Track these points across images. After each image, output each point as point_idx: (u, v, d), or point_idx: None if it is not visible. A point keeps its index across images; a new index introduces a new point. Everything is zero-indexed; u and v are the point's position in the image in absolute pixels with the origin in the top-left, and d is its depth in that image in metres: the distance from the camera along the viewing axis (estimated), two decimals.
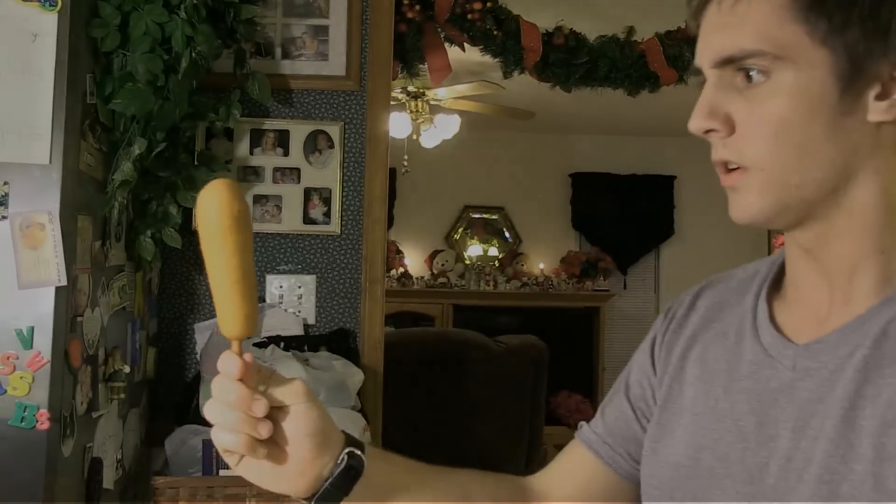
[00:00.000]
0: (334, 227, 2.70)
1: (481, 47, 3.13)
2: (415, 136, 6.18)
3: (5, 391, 1.64)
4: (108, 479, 2.02)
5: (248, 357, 0.84)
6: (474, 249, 8.12)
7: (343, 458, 0.89)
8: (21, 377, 1.64)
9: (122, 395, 2.09)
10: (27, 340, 1.65)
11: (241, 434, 0.84)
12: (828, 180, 0.84)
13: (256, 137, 2.69)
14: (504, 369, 4.42)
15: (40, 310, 1.67)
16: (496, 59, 3.19)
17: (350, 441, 0.91)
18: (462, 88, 5.52)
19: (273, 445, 0.86)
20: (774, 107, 0.83)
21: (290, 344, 2.50)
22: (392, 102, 3.30)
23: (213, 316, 2.63)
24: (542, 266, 8.03)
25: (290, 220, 2.69)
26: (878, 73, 0.82)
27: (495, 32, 3.06)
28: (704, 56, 0.88)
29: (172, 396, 2.61)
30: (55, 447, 1.67)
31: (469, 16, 3.00)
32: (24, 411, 1.63)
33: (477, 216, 8.16)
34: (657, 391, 1.05)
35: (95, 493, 1.91)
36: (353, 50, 2.71)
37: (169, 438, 2.24)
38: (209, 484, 2.06)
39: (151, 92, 2.01)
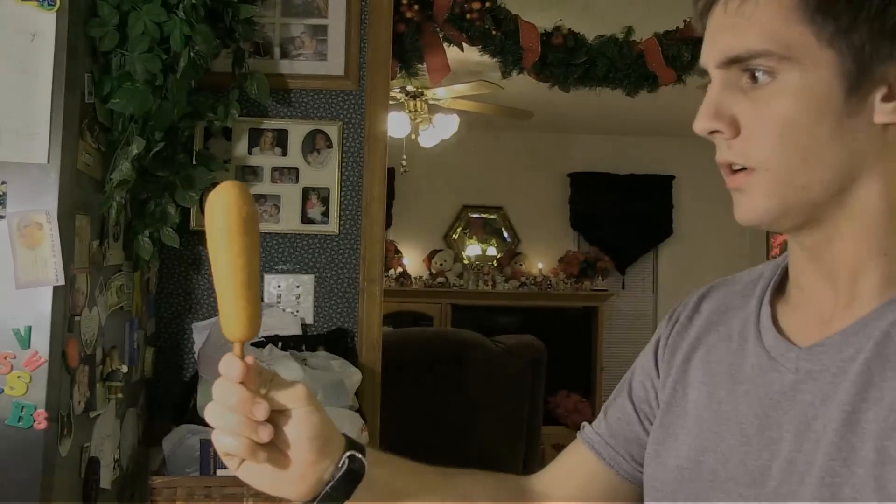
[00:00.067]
0: (332, 226, 2.70)
1: (480, 47, 3.13)
2: (413, 136, 6.18)
3: (2, 391, 1.64)
4: (106, 478, 2.02)
5: (249, 360, 0.84)
6: (473, 249, 8.12)
7: (344, 462, 0.89)
8: (18, 377, 1.64)
9: (120, 395, 2.09)
10: (24, 340, 1.65)
11: (241, 437, 0.83)
12: (833, 182, 0.84)
13: (255, 137, 2.69)
14: (502, 369, 4.41)
15: (38, 309, 1.67)
16: (495, 59, 3.19)
17: (351, 444, 0.91)
18: (461, 88, 5.51)
19: (274, 449, 0.86)
20: (780, 107, 0.83)
21: (287, 344, 2.49)
22: (391, 102, 3.29)
23: (211, 315, 2.64)
24: (540, 266, 8.03)
25: (289, 220, 2.69)
26: (885, 75, 0.82)
27: (494, 32, 3.06)
28: (710, 56, 0.88)
29: (170, 396, 2.60)
30: (52, 447, 1.67)
31: (468, 15, 3.00)
32: (22, 411, 1.63)
33: (475, 216, 8.15)
34: (660, 393, 1.05)
35: (93, 493, 1.91)
36: (352, 50, 2.71)
37: (166, 438, 2.23)
38: (207, 484, 2.05)
39: (150, 91, 2.01)
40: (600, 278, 7.92)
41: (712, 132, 0.87)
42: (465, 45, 3.13)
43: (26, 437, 1.64)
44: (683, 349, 1.04)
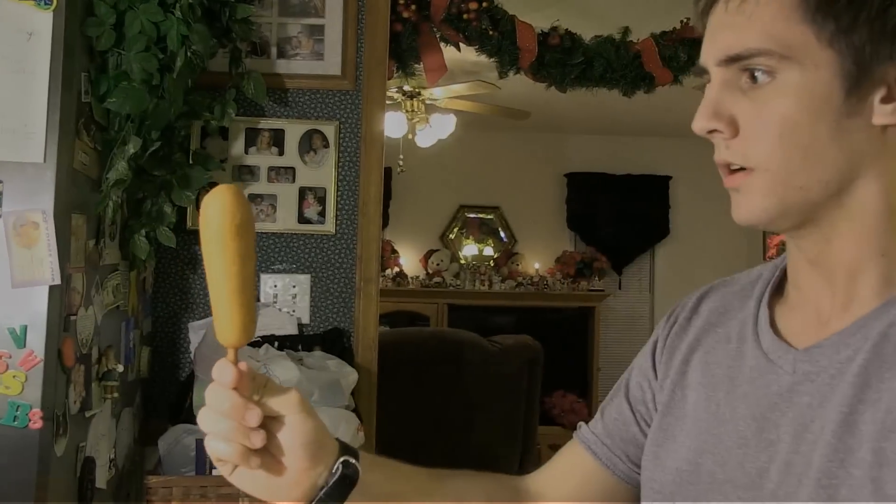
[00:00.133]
0: (329, 226, 2.69)
1: (477, 47, 3.13)
2: (410, 136, 6.17)
3: None
4: (101, 478, 2.02)
5: (243, 366, 0.84)
6: (469, 249, 8.12)
7: (338, 468, 0.89)
8: (14, 376, 1.64)
9: (116, 395, 2.09)
10: (20, 339, 1.65)
11: (234, 443, 0.83)
12: (832, 182, 0.84)
13: (251, 136, 2.69)
14: (499, 369, 4.41)
15: (34, 309, 1.66)
16: (492, 59, 3.19)
17: (345, 449, 0.91)
18: (458, 88, 5.51)
19: (267, 455, 0.86)
20: (779, 107, 0.83)
21: (284, 343, 2.49)
22: (388, 102, 3.29)
23: (208, 315, 2.64)
24: (537, 266, 8.03)
25: (285, 220, 2.69)
26: (884, 76, 0.82)
27: (491, 32, 3.06)
28: (710, 54, 0.88)
29: (166, 395, 2.60)
30: (48, 446, 1.67)
31: (465, 16, 3.00)
32: (17, 410, 1.63)
33: (472, 216, 8.16)
34: (657, 395, 1.05)
35: (88, 493, 1.91)
36: (349, 49, 2.71)
37: (162, 438, 2.23)
38: (202, 483, 2.05)
39: (146, 91, 2.01)
40: (597, 278, 7.92)
41: (711, 131, 0.87)
42: (461, 45, 3.13)
43: (22, 437, 1.63)
44: (682, 351, 1.03)
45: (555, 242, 8.13)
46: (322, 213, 2.69)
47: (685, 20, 3.24)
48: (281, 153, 2.69)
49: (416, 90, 5.76)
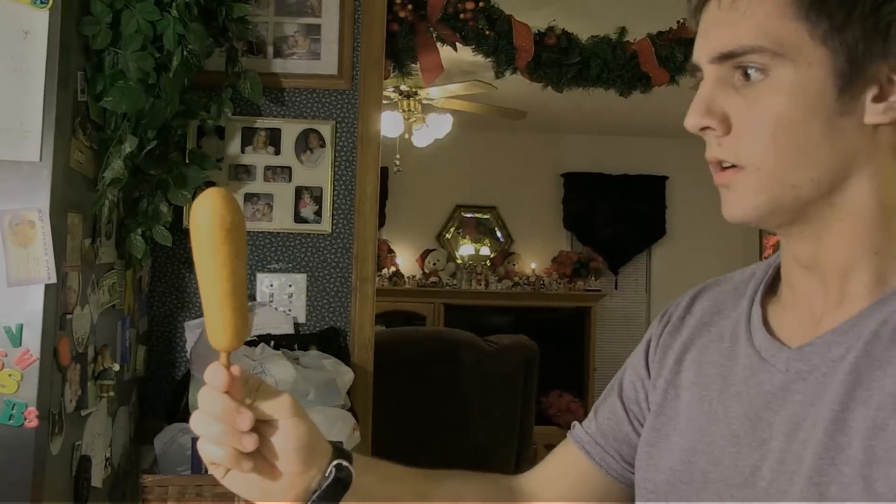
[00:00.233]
0: (325, 225, 2.70)
1: (473, 47, 3.13)
2: (407, 136, 6.17)
3: None
4: (97, 477, 2.02)
5: (235, 370, 0.83)
6: (466, 249, 8.13)
7: (331, 471, 0.89)
8: (9, 375, 1.64)
9: (112, 393, 2.08)
10: (16, 338, 1.65)
11: (226, 447, 0.83)
12: (824, 180, 0.84)
13: (248, 136, 2.69)
14: (495, 369, 4.41)
15: (29, 307, 1.66)
16: (488, 59, 3.19)
17: (338, 453, 0.91)
18: (454, 88, 5.51)
19: (260, 459, 0.86)
20: (772, 105, 0.83)
21: (280, 343, 2.50)
22: (384, 101, 3.29)
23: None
24: (533, 266, 8.03)
25: (281, 219, 2.69)
26: (876, 75, 0.82)
27: (487, 32, 3.06)
28: (703, 51, 0.88)
29: (162, 394, 2.60)
30: (43, 445, 1.67)
31: (461, 15, 3.00)
32: (13, 409, 1.63)
33: (469, 216, 8.16)
34: (651, 394, 1.05)
35: (84, 492, 1.91)
36: (345, 49, 2.71)
37: (158, 436, 2.23)
38: (198, 482, 2.05)
39: (143, 90, 2.01)
40: (593, 278, 7.92)
41: (703, 129, 0.87)
42: (458, 44, 3.13)
43: (17, 436, 1.63)
44: (675, 350, 1.03)
45: (551, 242, 8.14)
46: (318, 213, 2.69)
47: (682, 20, 3.24)
48: (277, 152, 2.69)
49: (413, 90, 5.76)
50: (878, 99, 0.82)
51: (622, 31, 3.32)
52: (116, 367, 2.09)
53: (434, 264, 7.91)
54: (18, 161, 1.67)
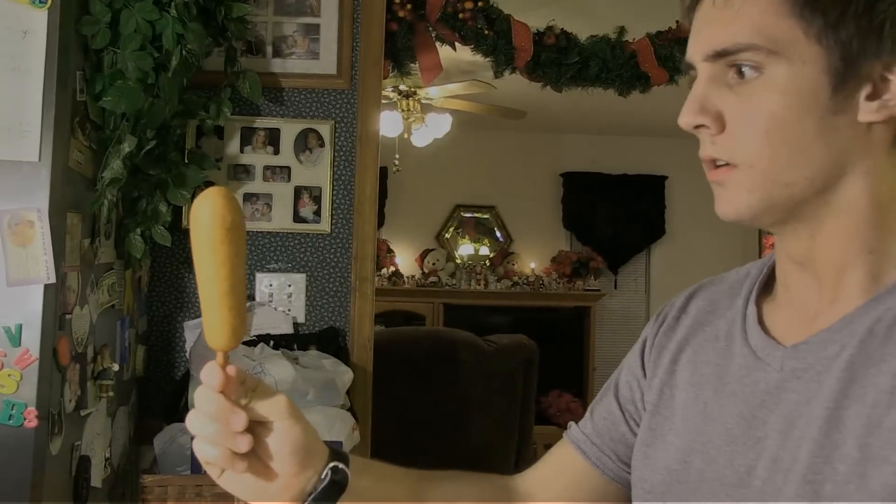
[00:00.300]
0: (324, 225, 2.69)
1: (472, 46, 3.13)
2: (406, 135, 6.18)
3: None
4: (97, 477, 2.02)
5: (231, 370, 0.83)
6: (465, 248, 8.13)
7: (327, 474, 0.89)
8: (9, 375, 1.64)
9: (111, 393, 2.08)
10: (15, 338, 1.65)
11: (220, 447, 0.83)
12: (818, 179, 0.84)
13: (247, 136, 2.69)
14: (494, 368, 4.41)
15: (29, 307, 1.66)
16: (487, 59, 3.19)
17: (334, 455, 0.91)
18: (453, 87, 5.51)
19: (255, 459, 0.86)
20: (767, 103, 0.83)
21: (279, 342, 2.49)
22: (383, 101, 3.29)
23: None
24: (532, 265, 8.03)
25: (281, 219, 2.69)
26: (870, 73, 0.82)
27: (486, 32, 3.06)
28: (697, 49, 0.88)
29: (161, 394, 2.60)
30: (43, 445, 1.67)
31: (460, 15, 3.00)
32: (12, 409, 1.63)
33: (468, 215, 8.16)
34: (646, 393, 1.05)
35: (83, 492, 1.91)
36: (345, 49, 2.71)
37: (158, 436, 2.23)
38: (198, 482, 2.05)
39: (142, 89, 2.01)
40: (593, 278, 7.93)
41: (697, 127, 0.87)
42: (457, 44, 3.13)
43: (17, 436, 1.63)
44: (670, 350, 1.04)
45: (551, 242, 8.14)
46: (317, 213, 2.69)
47: (681, 20, 3.23)
48: (276, 152, 2.69)
49: (412, 89, 5.76)
50: (871, 97, 0.82)
51: (621, 30, 3.32)
52: (116, 367, 2.09)
53: (433, 264, 7.92)
54: (17, 161, 1.67)
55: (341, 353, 2.57)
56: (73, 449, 1.86)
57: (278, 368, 2.21)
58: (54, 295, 1.70)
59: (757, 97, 0.83)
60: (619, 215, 8.09)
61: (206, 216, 0.79)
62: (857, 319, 0.84)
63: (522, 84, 3.50)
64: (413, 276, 7.83)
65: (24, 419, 1.63)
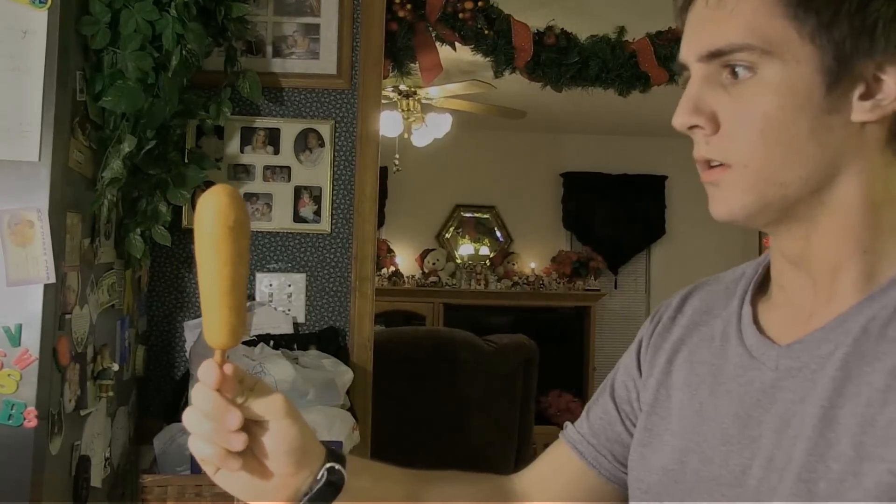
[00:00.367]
0: (324, 225, 2.70)
1: (472, 46, 3.13)
2: (406, 135, 6.18)
3: None
4: (96, 477, 2.02)
5: (228, 368, 0.83)
6: (465, 248, 8.13)
7: (322, 475, 0.89)
8: (9, 375, 1.64)
9: (111, 393, 2.08)
10: (15, 338, 1.65)
11: (215, 445, 0.83)
12: (812, 179, 0.84)
13: (247, 135, 2.69)
14: (494, 368, 4.41)
15: (29, 307, 1.66)
16: (487, 59, 3.19)
17: (331, 456, 0.91)
18: (453, 87, 5.51)
19: (250, 458, 0.86)
20: (761, 103, 0.83)
21: (279, 342, 2.49)
22: (383, 101, 3.29)
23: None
24: (533, 265, 8.03)
25: (281, 219, 2.69)
26: (863, 73, 0.82)
27: (486, 32, 3.06)
28: (690, 50, 0.88)
29: (161, 394, 2.60)
30: (42, 445, 1.67)
31: (460, 15, 3.00)
32: (12, 409, 1.63)
33: (468, 215, 8.16)
34: (642, 394, 1.05)
35: (83, 492, 1.91)
36: (345, 48, 2.71)
37: (157, 436, 2.23)
38: (197, 482, 2.05)
39: (141, 89, 2.01)
40: (593, 278, 7.93)
41: (692, 127, 0.87)
42: (457, 44, 3.13)
43: (16, 436, 1.63)
44: (666, 350, 1.04)
45: (551, 242, 8.14)
46: (318, 213, 2.69)
47: None
48: (276, 152, 2.69)
49: (412, 89, 5.76)
50: (864, 97, 0.82)
51: (621, 30, 3.32)
52: (115, 367, 2.09)
53: (433, 264, 7.92)
54: (17, 161, 1.67)
55: (341, 353, 2.57)
56: (73, 449, 1.86)
57: (278, 368, 2.21)
58: (54, 295, 1.70)
59: (751, 97, 0.84)
60: (619, 215, 8.09)
61: (210, 213, 0.79)
62: (852, 318, 0.84)
63: (522, 84, 3.50)
64: (413, 276, 7.83)
65: (24, 419, 1.63)
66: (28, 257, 1.66)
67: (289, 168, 2.69)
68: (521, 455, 4.56)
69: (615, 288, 8.22)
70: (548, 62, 3.19)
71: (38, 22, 1.69)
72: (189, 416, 0.84)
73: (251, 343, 2.40)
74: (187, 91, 2.34)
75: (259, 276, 2.68)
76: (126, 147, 2.01)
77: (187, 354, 2.59)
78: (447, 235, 8.13)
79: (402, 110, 5.94)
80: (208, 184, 2.44)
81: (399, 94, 5.83)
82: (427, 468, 1.10)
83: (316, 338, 2.61)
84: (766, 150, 0.83)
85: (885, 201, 0.85)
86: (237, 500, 2.02)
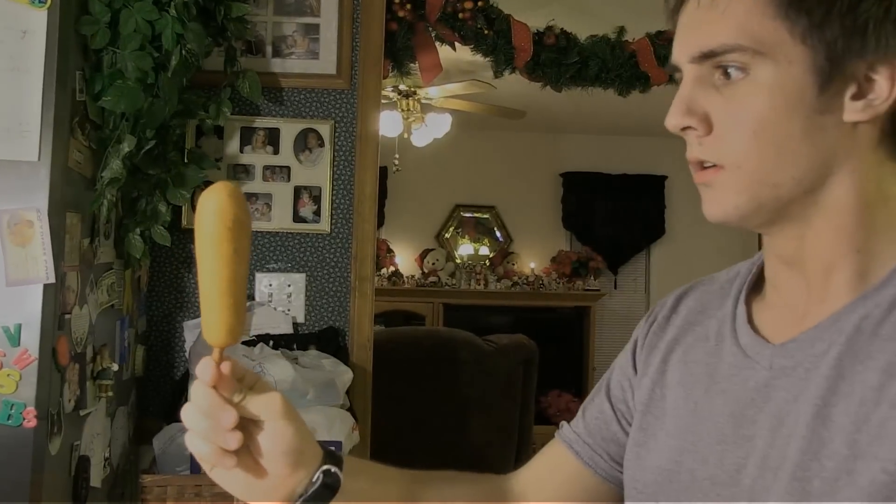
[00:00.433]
0: (324, 225, 2.70)
1: (472, 46, 3.13)
2: (406, 135, 6.18)
3: None
4: (96, 477, 2.02)
5: (225, 366, 0.83)
6: (465, 248, 8.13)
7: (318, 476, 0.89)
8: (8, 375, 1.64)
9: (110, 393, 2.08)
10: (14, 338, 1.65)
11: (210, 442, 0.83)
12: (805, 179, 0.84)
13: (246, 135, 2.69)
14: (494, 368, 4.41)
15: (28, 307, 1.66)
16: (487, 59, 3.19)
17: (328, 458, 0.91)
18: (453, 87, 5.52)
19: (246, 456, 0.86)
20: (753, 104, 0.83)
21: (279, 342, 2.49)
22: (383, 101, 3.29)
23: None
24: (532, 265, 8.03)
25: (280, 219, 2.69)
26: (855, 73, 0.82)
27: (486, 32, 3.06)
28: (682, 51, 0.88)
29: (161, 394, 2.60)
30: (42, 445, 1.67)
31: (460, 15, 3.00)
32: (11, 409, 1.63)
33: (468, 215, 8.16)
34: (637, 393, 1.05)
35: (83, 492, 1.91)
36: (344, 48, 2.71)
37: (157, 436, 2.23)
38: (197, 482, 2.05)
39: (141, 89, 2.01)
40: (592, 278, 7.93)
41: (684, 128, 0.87)
42: (457, 44, 3.13)
43: (16, 436, 1.63)
44: (661, 350, 1.04)
45: (550, 242, 8.14)
46: (317, 212, 2.69)
47: None
48: (276, 152, 2.69)
49: (412, 89, 5.76)
50: (856, 97, 0.83)
51: (621, 30, 3.32)
52: (115, 367, 2.09)
53: (433, 264, 7.92)
54: (17, 160, 1.67)
55: (341, 353, 2.57)
56: (73, 449, 1.86)
57: (278, 368, 2.21)
58: (53, 295, 1.70)
59: (743, 98, 0.84)
60: (618, 215, 8.09)
61: (209, 212, 0.79)
62: (845, 317, 0.84)
63: (522, 84, 3.50)
64: (413, 276, 7.83)
65: (24, 419, 1.63)
66: (27, 257, 1.66)
67: (288, 168, 2.69)
68: (520, 455, 4.56)
69: (615, 288, 8.22)
70: (547, 62, 3.19)
71: (38, 22, 1.69)
72: (186, 413, 0.84)
73: (251, 343, 2.40)
74: (187, 91, 2.34)
75: (259, 276, 2.68)
76: (126, 147, 2.01)
77: (187, 354, 2.59)
78: (447, 235, 8.13)
79: (402, 110, 5.94)
80: (208, 184, 2.42)
81: (399, 94, 5.83)
82: (427, 468, 1.10)
83: (315, 338, 2.61)
84: (759, 150, 0.84)
85: (877, 201, 0.86)
86: (237, 501, 2.02)
